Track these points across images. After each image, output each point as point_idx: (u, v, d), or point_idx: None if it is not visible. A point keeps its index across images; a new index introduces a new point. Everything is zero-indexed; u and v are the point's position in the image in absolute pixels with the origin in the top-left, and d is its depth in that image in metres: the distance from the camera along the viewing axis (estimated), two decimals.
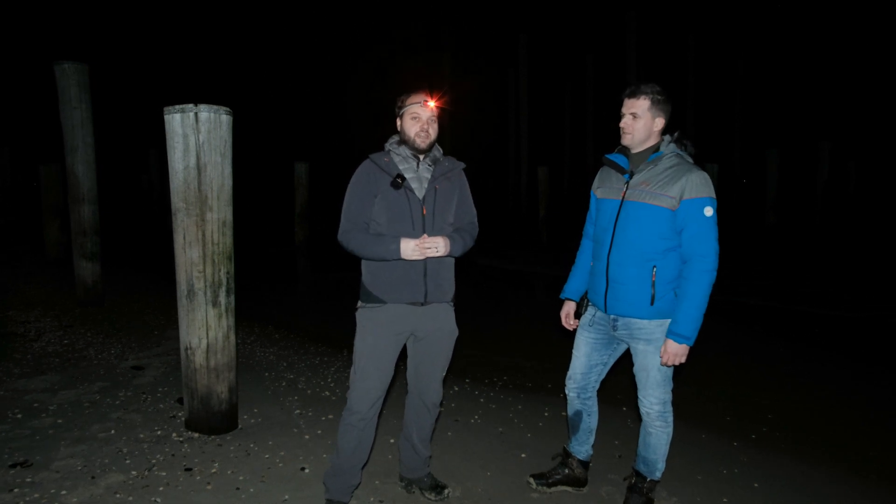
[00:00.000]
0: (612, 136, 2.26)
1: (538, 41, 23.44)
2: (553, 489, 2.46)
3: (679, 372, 2.38)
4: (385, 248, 2.06)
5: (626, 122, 2.14)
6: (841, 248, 12.11)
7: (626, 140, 2.17)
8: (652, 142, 2.17)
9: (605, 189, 2.27)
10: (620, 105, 2.18)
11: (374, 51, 28.18)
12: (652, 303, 2.10)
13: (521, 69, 21.95)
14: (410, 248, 2.04)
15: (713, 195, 2.06)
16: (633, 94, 2.12)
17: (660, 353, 2.13)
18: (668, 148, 2.14)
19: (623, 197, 2.16)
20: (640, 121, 2.12)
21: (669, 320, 2.11)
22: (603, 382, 2.45)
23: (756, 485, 2.61)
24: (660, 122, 2.15)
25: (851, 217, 16.59)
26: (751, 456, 2.93)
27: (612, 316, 2.21)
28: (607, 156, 2.28)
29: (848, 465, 2.91)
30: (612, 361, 2.38)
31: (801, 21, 24.30)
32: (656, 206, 2.07)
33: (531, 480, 2.47)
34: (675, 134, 2.18)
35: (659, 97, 2.12)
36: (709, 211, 2.03)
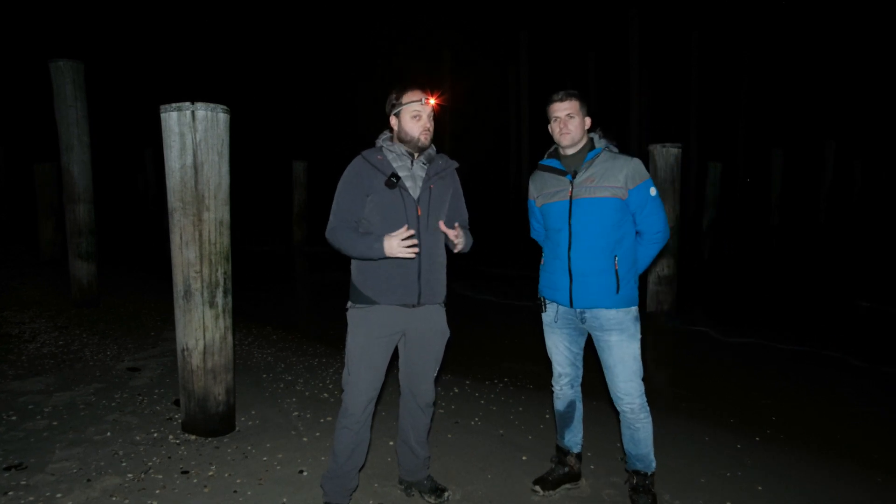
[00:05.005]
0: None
1: (539, 39, 23.37)
2: (556, 491, 2.44)
3: (681, 374, 2.36)
4: (369, 247, 2.02)
5: (563, 122, 2.25)
6: (845, 249, 12.09)
7: (566, 140, 2.26)
8: (584, 140, 2.31)
9: (545, 195, 2.36)
10: (548, 112, 2.30)
11: (374, 49, 28.11)
12: (618, 291, 2.21)
13: (523, 67, 21.91)
14: (395, 245, 1.97)
15: (650, 176, 2.28)
16: (566, 98, 2.26)
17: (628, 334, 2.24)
18: (602, 143, 2.31)
19: (571, 196, 2.25)
20: (576, 119, 2.25)
21: (636, 307, 2.27)
22: (601, 383, 2.43)
23: (760, 487, 2.59)
24: (588, 121, 2.30)
25: (857, 217, 16.56)
26: (754, 458, 2.90)
27: (578, 310, 2.28)
28: (542, 162, 2.40)
29: (852, 467, 2.89)
30: (583, 350, 2.46)
31: (806, 19, 24.27)
32: (607, 198, 2.20)
33: (537, 488, 2.45)
34: (599, 131, 2.35)
35: (584, 99, 2.31)
36: (653, 191, 2.26)
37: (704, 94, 22.35)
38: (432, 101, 2.15)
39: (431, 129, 2.15)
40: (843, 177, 17.52)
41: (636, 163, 2.24)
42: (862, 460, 2.98)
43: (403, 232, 1.98)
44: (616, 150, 2.32)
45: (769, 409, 3.65)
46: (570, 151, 2.29)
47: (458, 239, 2.13)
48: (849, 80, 24.06)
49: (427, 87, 2.17)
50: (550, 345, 2.44)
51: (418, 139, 2.13)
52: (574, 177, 2.26)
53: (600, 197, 2.20)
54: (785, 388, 4.12)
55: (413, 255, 2.02)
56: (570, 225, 2.24)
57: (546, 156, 2.41)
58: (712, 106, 23.08)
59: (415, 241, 2.00)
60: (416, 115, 2.12)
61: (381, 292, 2.10)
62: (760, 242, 13.30)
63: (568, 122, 2.24)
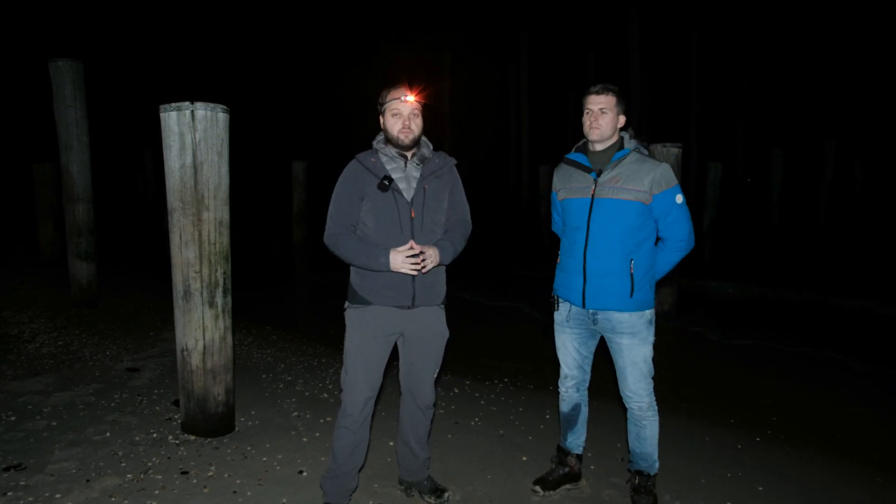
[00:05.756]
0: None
1: (539, 39, 23.33)
2: (556, 491, 2.44)
3: (682, 375, 2.35)
4: (375, 259, 2.02)
5: (595, 116, 2.20)
6: (846, 249, 12.07)
7: (594, 134, 2.22)
8: (615, 138, 2.25)
9: (568, 189, 2.32)
10: (583, 103, 2.25)
11: (374, 49, 28.08)
12: (632, 295, 2.17)
13: (522, 67, 21.85)
14: (400, 261, 1.99)
15: (678, 183, 2.22)
16: (602, 91, 2.21)
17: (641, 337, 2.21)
18: (631, 144, 2.26)
19: (593, 195, 2.21)
20: (608, 115, 2.20)
21: (650, 311, 2.23)
22: (604, 383, 2.43)
23: (760, 488, 2.59)
24: (622, 120, 2.25)
25: (857, 217, 16.55)
26: (755, 458, 2.90)
27: (590, 311, 2.25)
28: (568, 156, 2.35)
29: (852, 467, 2.89)
30: (592, 354, 2.43)
31: (806, 19, 24.23)
32: (630, 201, 2.16)
33: (537, 488, 2.45)
34: (631, 131, 2.30)
35: (622, 96, 2.24)
36: (679, 198, 2.20)
37: (704, 94, 22.29)
38: (410, 97, 2.07)
39: (414, 129, 2.10)
40: (843, 177, 17.47)
41: (664, 168, 2.18)
42: (862, 460, 2.98)
43: (408, 249, 1.99)
44: (646, 152, 2.27)
45: (769, 410, 3.65)
46: (598, 147, 2.26)
47: (429, 260, 2.02)
48: (849, 80, 24.02)
49: (409, 84, 2.11)
50: (559, 344, 2.42)
51: (397, 138, 2.09)
52: (599, 175, 2.22)
53: (623, 199, 2.16)
54: (785, 389, 4.12)
55: (416, 273, 2.02)
56: (588, 224, 2.21)
57: (574, 149, 2.37)
58: (712, 106, 23.03)
59: (421, 260, 2.00)
60: (395, 112, 2.09)
61: (376, 293, 2.10)
62: (760, 242, 13.28)
63: (600, 116, 2.19)
